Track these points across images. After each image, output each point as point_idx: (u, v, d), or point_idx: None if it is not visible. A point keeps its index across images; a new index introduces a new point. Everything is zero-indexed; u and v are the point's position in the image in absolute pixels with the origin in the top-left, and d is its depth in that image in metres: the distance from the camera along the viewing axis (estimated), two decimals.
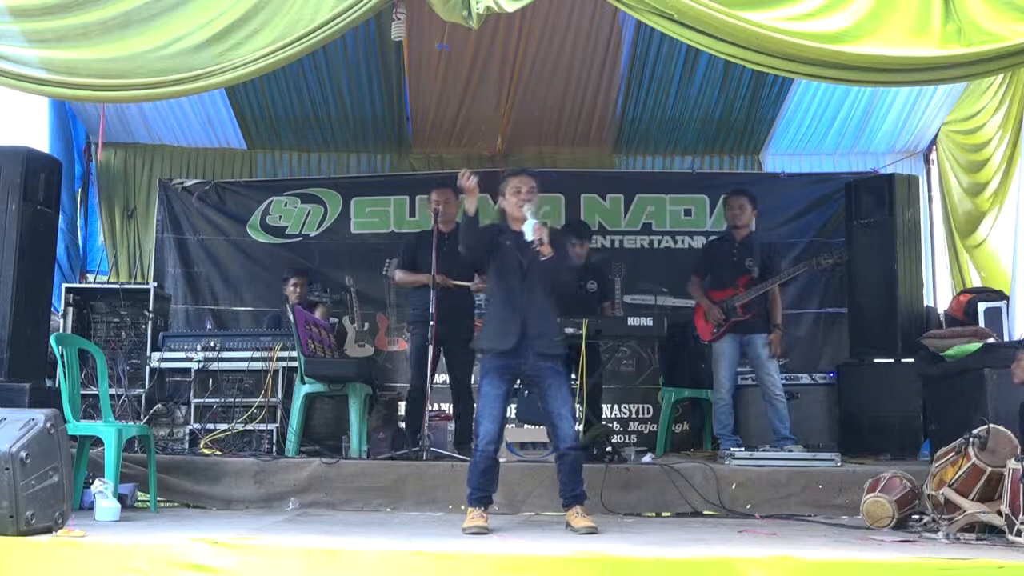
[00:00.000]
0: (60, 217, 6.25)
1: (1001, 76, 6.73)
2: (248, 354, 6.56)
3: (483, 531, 4.48)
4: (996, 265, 7.25)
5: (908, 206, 7.31)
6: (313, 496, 5.46)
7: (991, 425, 4.49)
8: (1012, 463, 4.19)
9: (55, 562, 3.73)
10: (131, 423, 5.67)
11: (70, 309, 6.80)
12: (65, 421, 4.50)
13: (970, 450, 4.43)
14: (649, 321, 6.19)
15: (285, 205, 8.45)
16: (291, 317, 6.47)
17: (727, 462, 5.65)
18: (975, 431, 4.46)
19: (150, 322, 6.79)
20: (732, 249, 6.67)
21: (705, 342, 6.81)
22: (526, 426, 6.55)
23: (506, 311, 4.74)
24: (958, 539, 4.29)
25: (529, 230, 4.61)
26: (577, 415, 6.58)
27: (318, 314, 7.27)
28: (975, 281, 7.54)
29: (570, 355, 6.66)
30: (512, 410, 7.50)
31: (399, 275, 6.83)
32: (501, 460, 5.77)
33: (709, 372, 7.15)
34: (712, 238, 7.69)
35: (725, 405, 6.53)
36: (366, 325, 7.78)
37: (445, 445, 6.40)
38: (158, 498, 5.25)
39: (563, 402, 4.69)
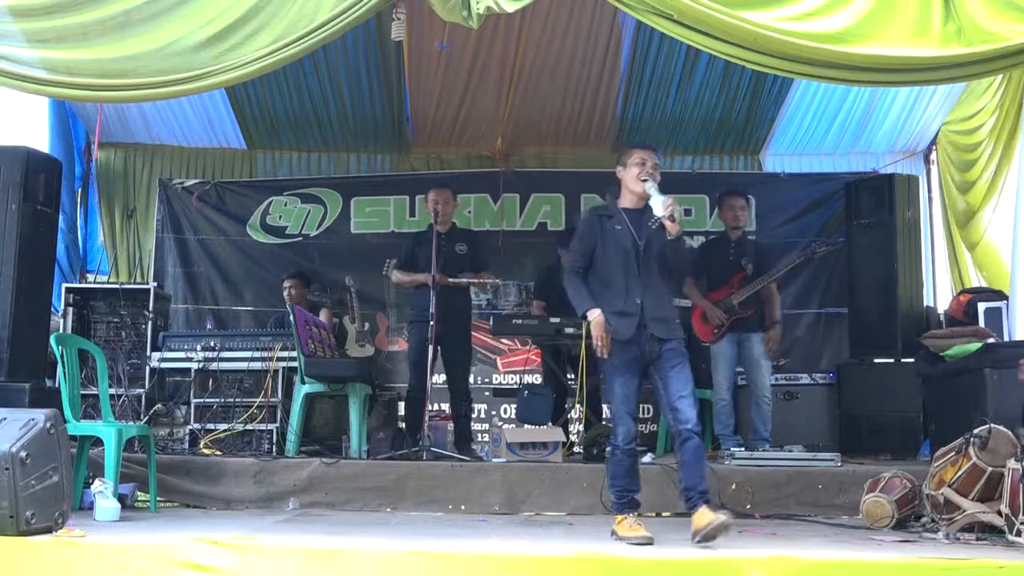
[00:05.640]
0: (60, 217, 6.24)
1: (1001, 76, 6.75)
2: (248, 354, 6.55)
3: (650, 540, 4.07)
4: (998, 265, 7.25)
5: (908, 206, 7.31)
6: (313, 496, 5.46)
7: (991, 425, 4.49)
8: (1012, 463, 4.20)
9: (55, 562, 3.72)
10: (131, 423, 5.67)
11: (70, 309, 6.79)
12: (65, 421, 4.49)
13: (970, 450, 4.43)
14: None
15: (285, 205, 8.46)
16: (291, 317, 6.47)
17: (727, 462, 5.66)
18: (975, 431, 4.46)
19: (150, 322, 6.77)
20: (728, 248, 6.68)
21: (704, 343, 6.79)
22: (526, 426, 6.56)
23: (620, 299, 4.37)
24: (958, 539, 4.29)
25: (659, 205, 4.23)
26: (579, 415, 6.62)
27: (322, 316, 7.27)
28: (975, 281, 7.54)
29: (570, 355, 6.72)
30: (512, 410, 7.55)
31: (396, 275, 6.83)
32: (500, 461, 5.82)
33: (709, 372, 7.14)
34: (706, 240, 7.70)
35: (726, 405, 6.53)
36: (366, 325, 7.78)
37: (445, 445, 6.40)
38: (158, 498, 5.25)
39: (685, 384, 4.29)
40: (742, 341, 6.55)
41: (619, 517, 4.32)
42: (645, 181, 4.34)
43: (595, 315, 4.37)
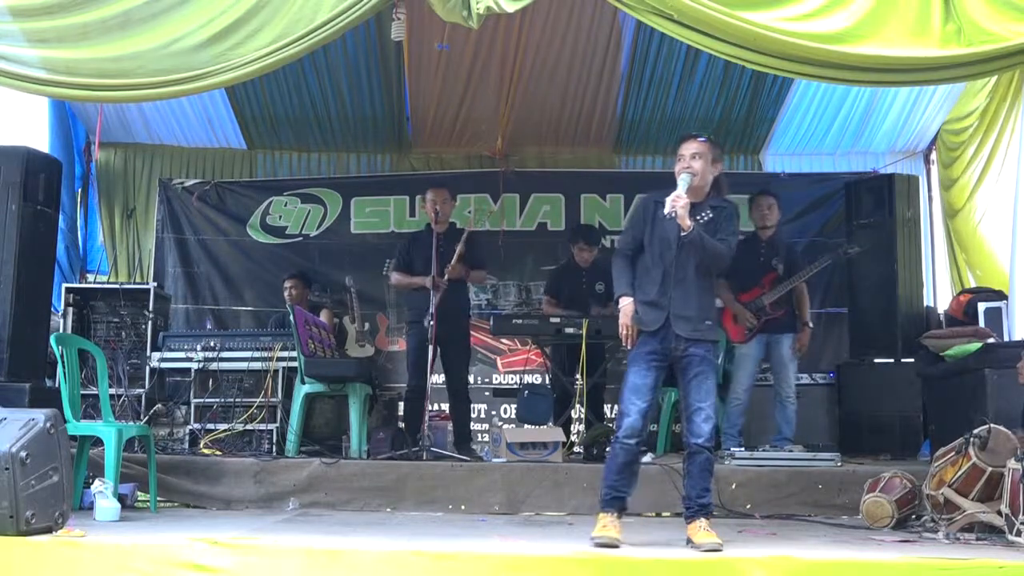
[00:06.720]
0: (60, 217, 6.25)
1: (997, 77, 6.75)
2: (248, 354, 6.56)
3: (613, 543, 3.92)
4: (993, 264, 7.26)
5: (908, 206, 7.32)
6: (313, 496, 5.46)
7: (991, 425, 4.49)
8: (1012, 463, 4.20)
9: (55, 562, 3.72)
10: (131, 423, 5.67)
11: (70, 309, 6.79)
12: (65, 421, 4.49)
13: (970, 450, 4.43)
14: None
15: (285, 205, 8.46)
16: (291, 317, 6.47)
17: (727, 462, 5.65)
18: (975, 431, 4.46)
19: (150, 322, 6.78)
20: (759, 248, 6.60)
21: (735, 343, 6.71)
22: (526, 426, 6.56)
23: (654, 289, 4.22)
24: (958, 539, 4.30)
25: (668, 201, 4.12)
26: (580, 415, 6.62)
27: (322, 316, 7.27)
28: (974, 281, 7.55)
29: (572, 355, 6.72)
30: (512, 410, 7.56)
31: (395, 278, 6.82)
32: (500, 461, 5.82)
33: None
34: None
35: (740, 405, 6.43)
36: (366, 325, 7.79)
37: (445, 445, 6.40)
38: (158, 498, 5.25)
39: (706, 395, 4.14)
40: (772, 343, 6.45)
41: (600, 514, 4.12)
42: (680, 175, 4.21)
43: (625, 303, 4.26)
